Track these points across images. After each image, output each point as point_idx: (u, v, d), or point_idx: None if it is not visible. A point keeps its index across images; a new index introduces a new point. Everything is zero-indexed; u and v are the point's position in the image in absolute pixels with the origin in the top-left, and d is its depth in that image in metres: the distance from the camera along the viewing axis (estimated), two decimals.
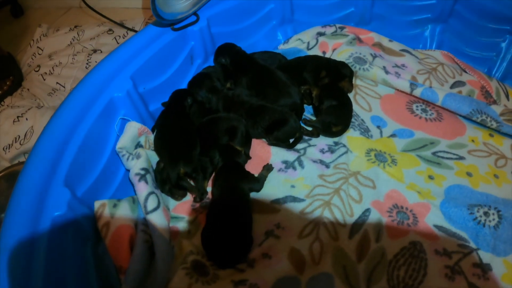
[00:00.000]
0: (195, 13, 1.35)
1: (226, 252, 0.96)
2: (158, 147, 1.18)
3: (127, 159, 1.09)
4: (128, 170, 1.10)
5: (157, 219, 0.99)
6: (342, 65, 1.38)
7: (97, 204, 1.01)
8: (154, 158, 1.17)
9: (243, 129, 1.19)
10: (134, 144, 1.16)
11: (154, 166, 1.14)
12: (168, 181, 1.10)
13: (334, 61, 1.40)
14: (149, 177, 1.06)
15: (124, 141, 1.11)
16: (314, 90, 1.34)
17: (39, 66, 1.94)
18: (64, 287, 0.85)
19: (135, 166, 1.07)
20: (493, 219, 1.04)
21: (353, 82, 1.41)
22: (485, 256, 0.99)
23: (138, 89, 1.19)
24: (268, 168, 1.15)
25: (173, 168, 1.09)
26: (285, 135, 1.20)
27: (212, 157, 1.16)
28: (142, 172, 1.06)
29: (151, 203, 1.01)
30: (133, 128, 1.14)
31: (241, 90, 1.31)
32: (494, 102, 1.39)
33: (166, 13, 1.22)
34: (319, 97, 1.31)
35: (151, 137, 1.22)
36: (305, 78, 1.36)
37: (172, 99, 1.30)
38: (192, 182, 1.14)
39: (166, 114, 1.25)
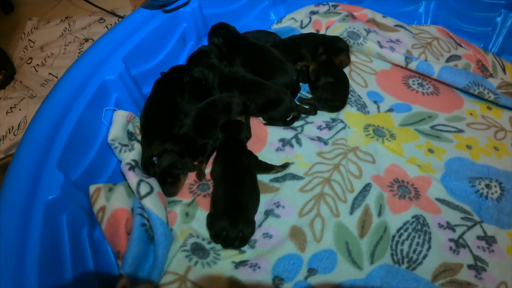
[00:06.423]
0: None
1: (233, 233, 0.94)
2: (141, 122, 1.19)
3: (120, 151, 1.07)
4: (120, 161, 1.08)
5: (152, 203, 0.96)
6: (337, 39, 1.37)
7: (92, 188, 0.99)
8: None
9: (237, 101, 1.18)
10: (126, 133, 1.13)
11: None
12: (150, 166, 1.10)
13: (330, 36, 1.40)
14: (137, 170, 1.04)
15: (115, 132, 1.09)
16: (311, 65, 1.32)
17: (31, 58, 1.92)
18: (60, 273, 0.83)
19: (127, 157, 1.05)
20: (496, 192, 1.03)
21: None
22: (489, 229, 0.98)
23: (131, 72, 1.18)
24: (284, 165, 1.11)
25: (147, 150, 1.09)
26: (280, 115, 1.19)
27: (215, 137, 1.15)
28: (133, 163, 1.04)
29: (144, 188, 0.98)
30: (121, 117, 1.11)
31: (238, 67, 1.29)
32: (491, 76, 1.38)
33: None
34: (315, 74, 1.29)
35: (137, 120, 1.20)
36: (302, 54, 1.35)
37: (170, 73, 1.29)
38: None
39: (160, 87, 1.25)
